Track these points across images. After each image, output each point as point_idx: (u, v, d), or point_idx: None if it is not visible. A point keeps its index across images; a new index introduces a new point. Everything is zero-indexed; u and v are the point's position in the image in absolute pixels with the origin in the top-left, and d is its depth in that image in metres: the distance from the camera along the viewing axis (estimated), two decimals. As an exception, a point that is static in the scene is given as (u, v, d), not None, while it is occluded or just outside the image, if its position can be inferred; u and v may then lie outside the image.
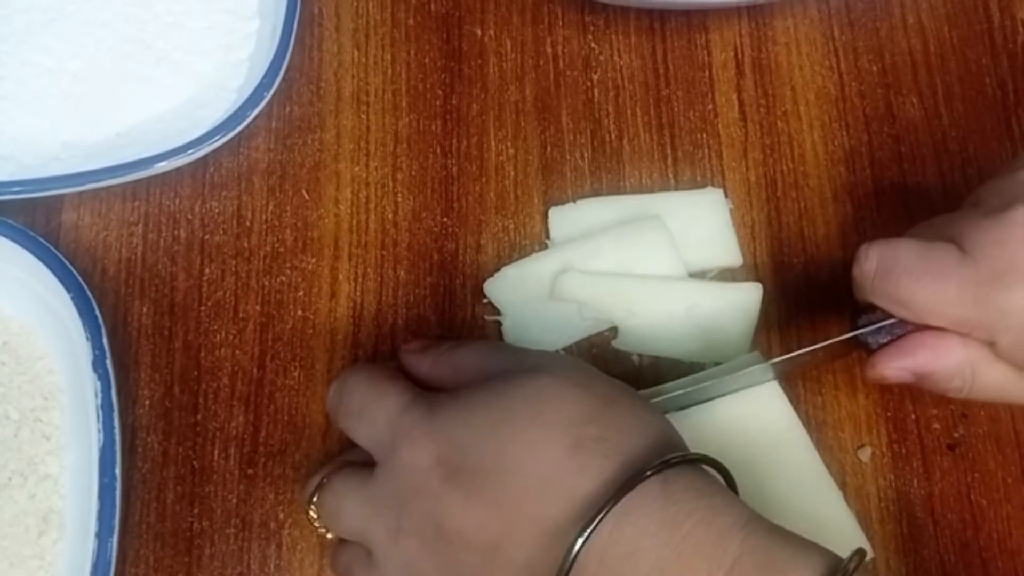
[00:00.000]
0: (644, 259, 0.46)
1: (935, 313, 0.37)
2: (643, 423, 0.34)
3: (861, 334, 0.40)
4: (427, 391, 0.37)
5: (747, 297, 0.45)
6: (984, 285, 0.35)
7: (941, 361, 0.37)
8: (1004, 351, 0.36)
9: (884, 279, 0.38)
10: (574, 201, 0.47)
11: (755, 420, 0.43)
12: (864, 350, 0.41)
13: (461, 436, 0.34)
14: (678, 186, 0.49)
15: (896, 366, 0.38)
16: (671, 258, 0.46)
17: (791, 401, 0.44)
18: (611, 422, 0.34)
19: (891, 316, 0.39)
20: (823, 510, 0.42)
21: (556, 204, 0.48)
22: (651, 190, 0.48)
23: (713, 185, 0.48)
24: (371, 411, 0.37)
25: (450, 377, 0.38)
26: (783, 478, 0.42)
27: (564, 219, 0.47)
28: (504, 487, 0.33)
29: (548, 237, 0.47)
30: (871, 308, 0.40)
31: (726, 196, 0.48)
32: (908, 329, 0.39)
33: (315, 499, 0.38)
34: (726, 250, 0.47)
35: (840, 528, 0.42)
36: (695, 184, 0.49)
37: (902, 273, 0.37)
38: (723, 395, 0.43)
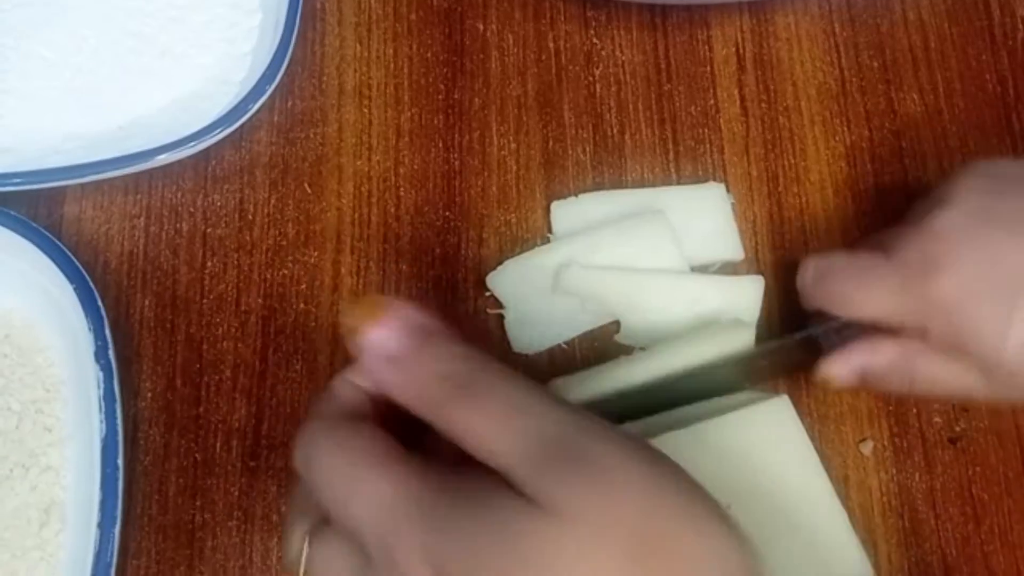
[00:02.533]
0: (646, 253, 0.46)
1: (867, 308, 0.41)
2: None
3: (812, 335, 0.43)
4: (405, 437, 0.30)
5: (749, 290, 0.45)
6: (907, 278, 0.39)
7: (877, 357, 0.41)
8: (935, 339, 0.39)
9: (819, 284, 0.42)
10: (576, 195, 0.48)
11: (764, 436, 0.41)
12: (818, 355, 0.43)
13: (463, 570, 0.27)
14: (680, 181, 0.49)
15: (837, 367, 0.42)
16: (673, 252, 0.46)
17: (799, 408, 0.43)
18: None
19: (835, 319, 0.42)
20: (827, 531, 0.41)
21: (558, 198, 0.48)
22: (653, 184, 0.49)
23: (715, 180, 0.48)
24: (353, 507, 0.28)
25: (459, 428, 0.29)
26: (789, 496, 0.41)
27: (566, 213, 0.47)
28: None
29: (550, 231, 0.47)
30: (820, 316, 0.43)
31: (728, 191, 0.48)
32: (853, 330, 0.41)
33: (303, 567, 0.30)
34: (728, 245, 0.47)
35: (843, 550, 0.41)
36: (697, 179, 0.49)
37: (834, 276, 0.42)
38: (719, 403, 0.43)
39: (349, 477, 0.29)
